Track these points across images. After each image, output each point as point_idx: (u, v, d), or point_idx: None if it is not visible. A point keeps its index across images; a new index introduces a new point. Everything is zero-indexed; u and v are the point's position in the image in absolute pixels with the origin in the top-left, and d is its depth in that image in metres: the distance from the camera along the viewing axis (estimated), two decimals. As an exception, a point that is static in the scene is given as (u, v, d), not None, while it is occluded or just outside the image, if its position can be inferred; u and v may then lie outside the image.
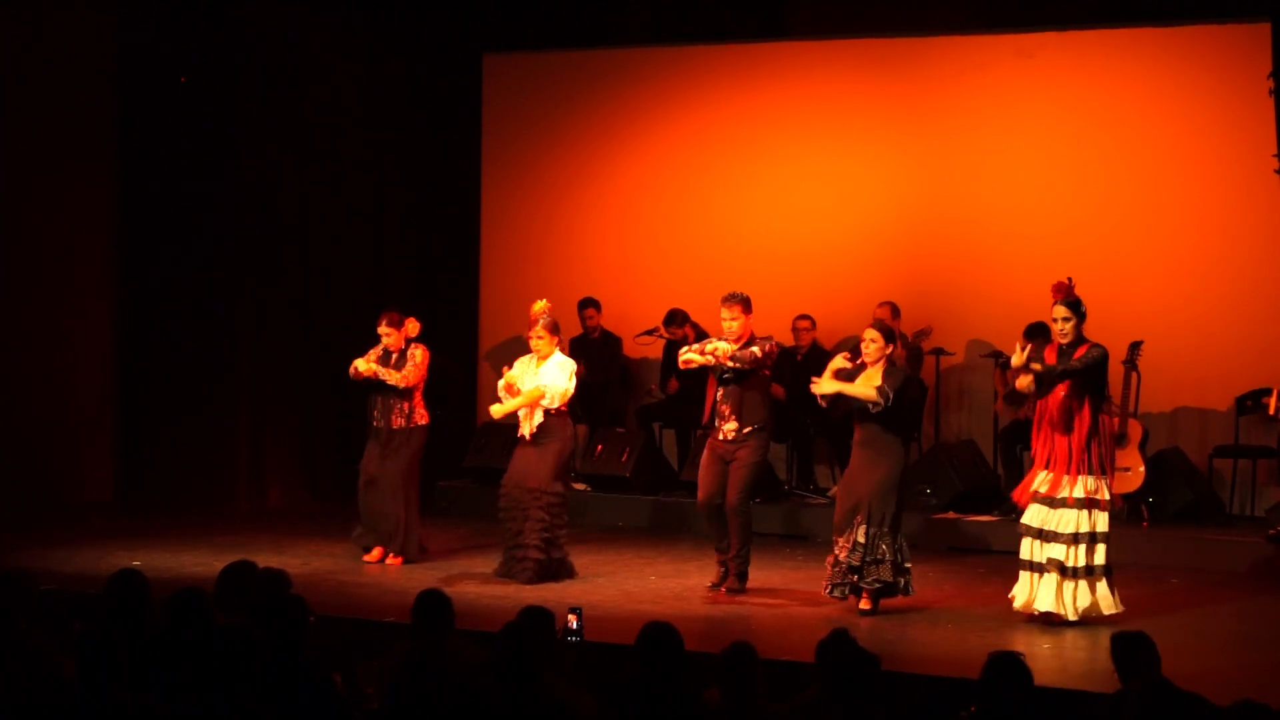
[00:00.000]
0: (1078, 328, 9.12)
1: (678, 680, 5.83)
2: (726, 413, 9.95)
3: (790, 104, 13.44)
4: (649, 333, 13.28)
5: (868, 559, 9.24)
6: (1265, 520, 11.50)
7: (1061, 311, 9.13)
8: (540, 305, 10.39)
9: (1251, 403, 11.83)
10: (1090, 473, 9.03)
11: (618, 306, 13.29)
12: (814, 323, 12.77)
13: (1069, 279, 9.21)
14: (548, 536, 10.15)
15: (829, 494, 12.60)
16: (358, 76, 13.80)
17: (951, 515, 11.93)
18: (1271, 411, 10.90)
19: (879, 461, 9.34)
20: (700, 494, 10.06)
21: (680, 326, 12.92)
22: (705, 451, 10.15)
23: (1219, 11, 12.11)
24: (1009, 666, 5.64)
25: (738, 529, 9.93)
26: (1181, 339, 11.74)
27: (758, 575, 10.19)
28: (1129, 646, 6.09)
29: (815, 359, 12.05)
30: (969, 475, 12.25)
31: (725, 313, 9.89)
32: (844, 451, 12.38)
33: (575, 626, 7.68)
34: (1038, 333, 11.81)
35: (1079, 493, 9.03)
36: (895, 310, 12.16)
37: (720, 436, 9.98)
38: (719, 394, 10.03)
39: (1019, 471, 11.92)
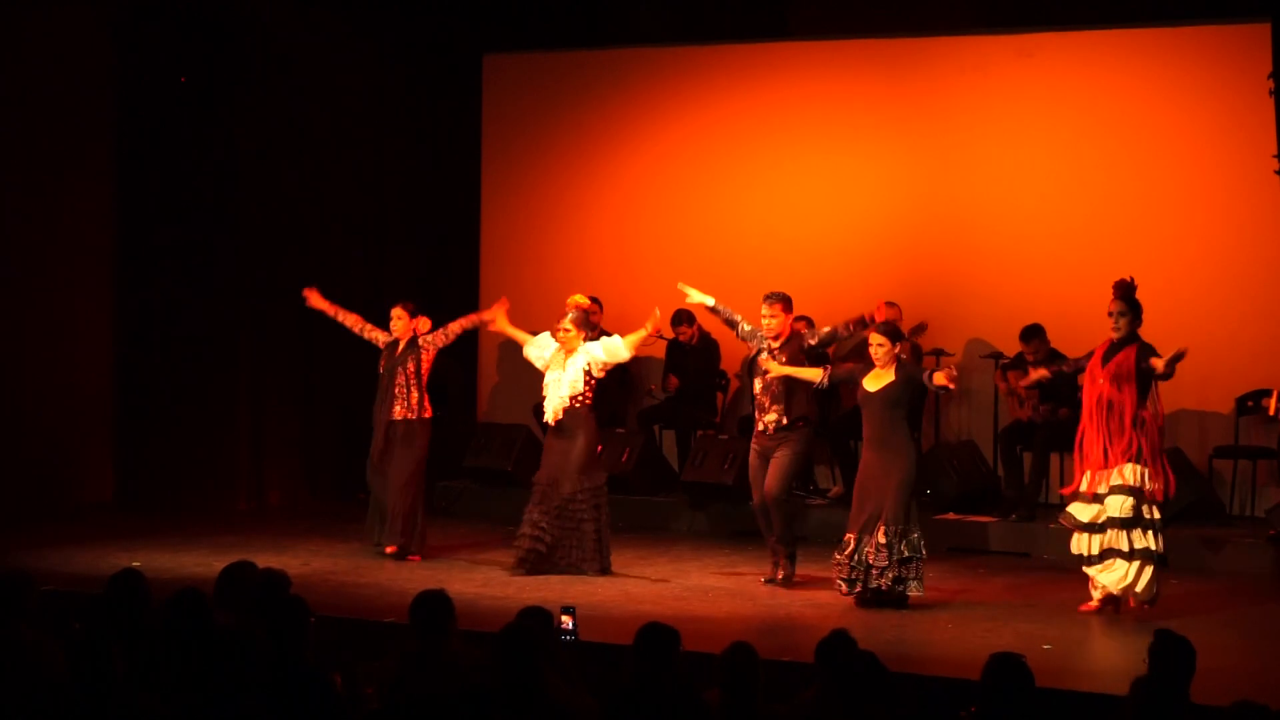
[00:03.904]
0: (1131, 324, 9.44)
1: (677, 681, 5.82)
2: (767, 404, 10.10)
3: (791, 104, 13.43)
4: (649, 333, 13.26)
5: (893, 558, 9.40)
6: (1265, 520, 11.50)
7: (1118, 306, 9.43)
8: (579, 299, 10.50)
9: (1252, 403, 11.84)
10: (1136, 461, 9.28)
11: (618, 306, 13.27)
12: (812, 323, 12.74)
13: (1130, 278, 9.52)
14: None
15: (829, 494, 12.62)
16: (358, 76, 13.78)
17: (951, 515, 11.92)
18: (1271, 412, 10.89)
19: (894, 461, 9.45)
20: (755, 497, 10.26)
21: (690, 326, 12.96)
22: (750, 454, 10.29)
23: (1219, 11, 12.10)
24: (1010, 667, 5.64)
25: (780, 517, 10.13)
26: (1181, 339, 11.66)
27: (757, 575, 10.26)
28: (1167, 647, 5.99)
29: (815, 359, 12.00)
30: (969, 475, 12.25)
31: (765, 309, 10.19)
32: (843, 452, 12.44)
33: (570, 626, 7.67)
34: (1034, 334, 11.85)
35: (1122, 480, 9.27)
36: (899, 311, 12.15)
37: (761, 429, 10.12)
38: (757, 387, 10.12)
39: (1019, 471, 11.94)
